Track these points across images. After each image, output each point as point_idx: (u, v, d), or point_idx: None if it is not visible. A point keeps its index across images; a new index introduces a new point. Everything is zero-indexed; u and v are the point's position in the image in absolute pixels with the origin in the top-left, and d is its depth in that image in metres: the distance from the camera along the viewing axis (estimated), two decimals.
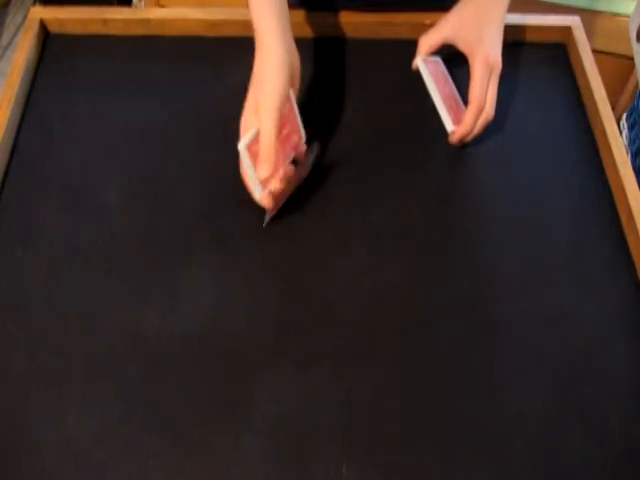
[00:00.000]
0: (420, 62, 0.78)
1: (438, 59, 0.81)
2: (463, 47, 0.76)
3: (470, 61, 0.75)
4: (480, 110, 0.74)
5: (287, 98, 0.67)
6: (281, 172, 0.67)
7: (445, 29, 0.78)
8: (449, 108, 0.77)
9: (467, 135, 0.76)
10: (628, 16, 1.34)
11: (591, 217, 0.75)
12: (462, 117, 0.76)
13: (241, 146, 0.65)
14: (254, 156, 0.66)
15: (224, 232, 0.72)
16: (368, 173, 0.77)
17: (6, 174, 0.75)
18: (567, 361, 0.66)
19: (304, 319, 0.67)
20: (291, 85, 0.69)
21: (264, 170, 0.65)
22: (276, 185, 0.67)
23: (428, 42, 0.78)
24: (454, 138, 0.77)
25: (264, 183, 0.67)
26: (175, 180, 0.76)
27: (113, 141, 0.78)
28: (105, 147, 0.78)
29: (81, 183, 0.75)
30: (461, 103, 0.80)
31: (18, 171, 0.76)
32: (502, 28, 0.77)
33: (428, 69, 0.78)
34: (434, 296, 0.69)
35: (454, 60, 0.80)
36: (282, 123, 0.67)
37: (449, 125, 0.77)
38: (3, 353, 0.64)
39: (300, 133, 0.72)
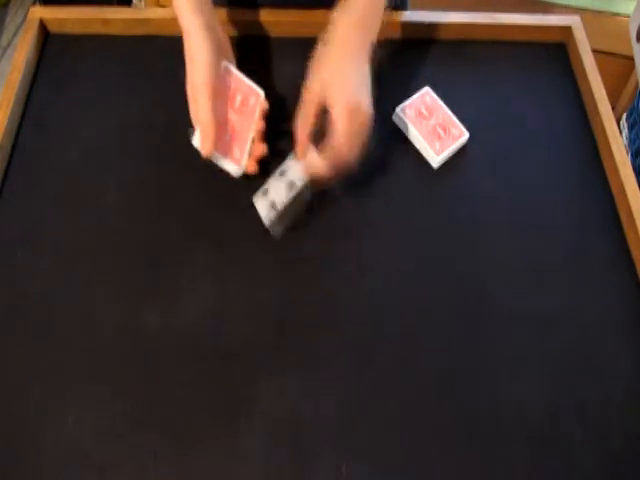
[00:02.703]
0: (394, 118, 0.79)
1: (426, 90, 0.80)
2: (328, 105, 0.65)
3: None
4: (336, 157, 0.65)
5: (219, 73, 0.68)
6: (250, 137, 0.71)
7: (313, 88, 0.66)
8: (432, 140, 0.76)
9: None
10: (628, 16, 1.34)
11: (591, 217, 0.75)
12: (453, 135, 0.76)
13: (195, 142, 0.68)
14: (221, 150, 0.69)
15: (224, 232, 0.72)
16: (367, 172, 0.77)
17: (6, 174, 0.75)
18: (567, 361, 0.66)
19: (304, 319, 0.67)
20: (225, 58, 0.71)
21: (206, 147, 0.66)
22: (257, 151, 0.71)
23: (306, 122, 0.66)
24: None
25: (237, 160, 0.70)
26: (175, 180, 0.75)
27: (113, 141, 0.78)
28: (105, 147, 0.78)
29: (81, 183, 0.75)
30: (454, 121, 0.78)
31: (18, 171, 0.76)
32: (365, 66, 0.67)
33: (406, 116, 0.78)
34: (434, 296, 0.69)
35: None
36: (232, 94, 0.71)
37: (434, 161, 0.77)
38: (3, 353, 0.65)
39: (255, 91, 0.73)
